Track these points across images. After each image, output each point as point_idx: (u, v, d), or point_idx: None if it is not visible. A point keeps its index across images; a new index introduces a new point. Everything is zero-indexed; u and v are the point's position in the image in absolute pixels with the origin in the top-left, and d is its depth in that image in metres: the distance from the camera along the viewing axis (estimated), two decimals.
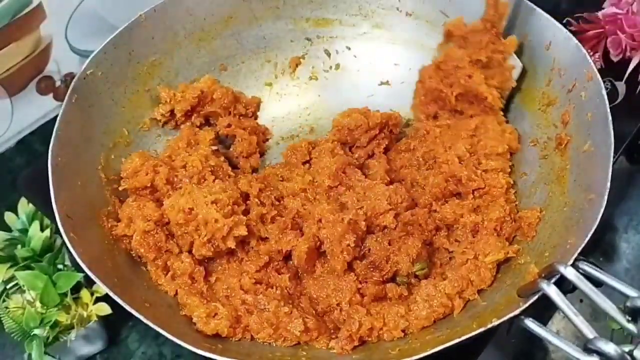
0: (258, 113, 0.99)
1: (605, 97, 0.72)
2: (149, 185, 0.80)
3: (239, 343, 0.71)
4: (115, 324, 0.86)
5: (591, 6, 1.01)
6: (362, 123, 0.88)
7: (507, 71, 0.86)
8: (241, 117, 0.95)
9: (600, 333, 0.53)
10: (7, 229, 0.86)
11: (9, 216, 0.87)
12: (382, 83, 0.99)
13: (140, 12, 0.87)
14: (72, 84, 0.80)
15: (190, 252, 0.77)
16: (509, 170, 0.83)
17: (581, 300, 0.95)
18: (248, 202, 0.81)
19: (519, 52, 0.86)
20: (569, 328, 0.96)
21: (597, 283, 0.56)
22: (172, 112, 0.91)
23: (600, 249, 1.07)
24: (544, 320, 0.95)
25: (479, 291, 0.72)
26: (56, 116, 0.77)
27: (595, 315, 0.94)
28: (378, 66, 0.99)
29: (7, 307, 0.78)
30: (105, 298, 0.78)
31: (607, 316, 0.54)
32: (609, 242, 1.07)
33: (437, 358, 0.60)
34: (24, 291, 0.79)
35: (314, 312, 0.74)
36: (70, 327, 0.78)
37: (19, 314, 0.77)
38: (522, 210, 0.79)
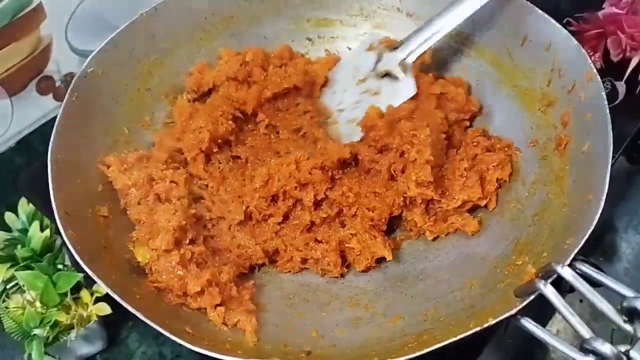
0: None
1: (605, 97, 0.72)
2: None
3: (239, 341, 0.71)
4: (115, 324, 0.86)
5: (591, 6, 1.01)
6: (462, 100, 0.89)
7: None
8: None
9: (600, 333, 0.53)
10: (7, 229, 0.87)
11: (9, 216, 0.87)
12: None
13: (141, 11, 0.87)
14: (73, 82, 0.80)
15: None
16: None
17: (581, 301, 0.94)
18: None
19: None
20: (569, 328, 0.96)
21: (596, 283, 0.56)
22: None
23: (600, 249, 1.07)
24: (544, 321, 0.95)
25: None
26: (56, 116, 0.77)
27: (596, 315, 0.94)
28: None
29: (7, 307, 0.78)
30: (105, 298, 0.78)
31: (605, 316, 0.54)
32: (609, 242, 1.07)
33: (437, 358, 0.60)
34: (24, 291, 0.79)
35: None
36: (70, 327, 0.79)
37: (19, 314, 0.77)
38: None
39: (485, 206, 0.83)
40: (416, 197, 0.80)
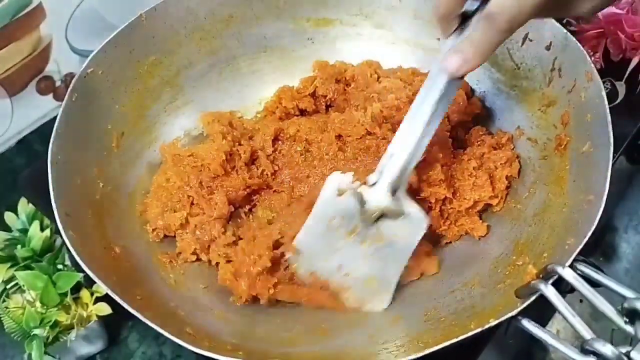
0: None
1: (605, 97, 0.72)
2: None
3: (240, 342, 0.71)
4: (115, 324, 0.86)
5: None
6: (462, 102, 0.87)
7: None
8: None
9: (600, 334, 0.53)
10: (7, 229, 0.87)
11: (9, 216, 0.87)
12: None
13: (141, 11, 0.87)
14: (73, 82, 0.80)
15: None
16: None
17: (581, 301, 0.94)
18: None
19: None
20: (569, 329, 0.96)
21: (596, 284, 0.56)
22: None
23: (600, 249, 1.06)
24: (544, 321, 0.95)
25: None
26: (56, 116, 0.77)
27: (596, 315, 0.94)
28: None
29: (7, 307, 0.78)
30: (105, 298, 0.78)
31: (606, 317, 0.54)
32: (609, 242, 1.07)
33: (436, 359, 0.60)
34: (24, 291, 0.79)
35: None
36: (70, 327, 0.79)
37: (19, 314, 0.77)
38: None
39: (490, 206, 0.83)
40: (430, 197, 0.79)
